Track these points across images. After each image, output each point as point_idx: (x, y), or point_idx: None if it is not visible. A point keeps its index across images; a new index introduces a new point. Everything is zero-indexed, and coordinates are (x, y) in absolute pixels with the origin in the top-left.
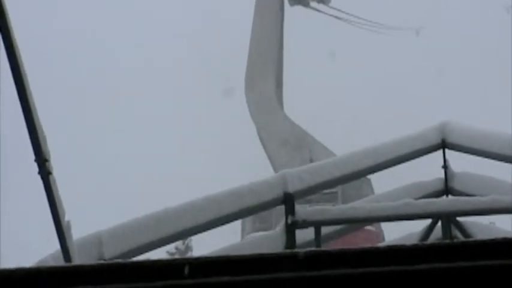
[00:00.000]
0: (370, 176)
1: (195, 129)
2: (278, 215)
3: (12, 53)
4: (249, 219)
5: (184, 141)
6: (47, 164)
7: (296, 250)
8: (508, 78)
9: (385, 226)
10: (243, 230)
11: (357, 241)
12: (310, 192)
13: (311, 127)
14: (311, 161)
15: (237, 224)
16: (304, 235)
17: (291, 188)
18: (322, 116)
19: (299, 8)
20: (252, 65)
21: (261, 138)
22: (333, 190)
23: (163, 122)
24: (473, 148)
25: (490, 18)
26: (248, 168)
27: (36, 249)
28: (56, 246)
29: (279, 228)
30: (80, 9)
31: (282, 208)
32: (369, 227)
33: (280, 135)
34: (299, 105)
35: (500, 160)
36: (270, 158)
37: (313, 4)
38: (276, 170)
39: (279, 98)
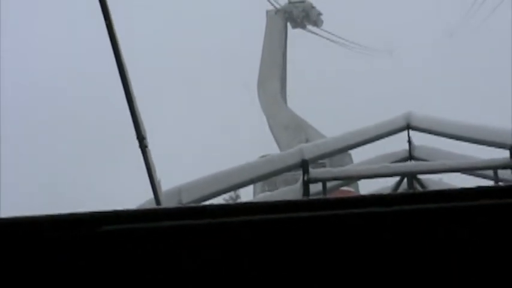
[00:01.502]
0: (350, 151)
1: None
2: (280, 182)
3: (116, 51)
4: (258, 184)
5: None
6: (144, 140)
7: (310, 197)
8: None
9: (361, 188)
10: (254, 191)
11: None
12: (317, 159)
13: (307, 116)
14: (307, 141)
15: (249, 188)
16: (314, 188)
17: (306, 156)
18: (316, 108)
19: (299, 30)
20: (263, 71)
21: (269, 125)
22: (322, 161)
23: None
24: (429, 129)
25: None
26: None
27: (138, 198)
28: (150, 195)
29: (299, 183)
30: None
31: (285, 175)
32: (350, 190)
33: (283, 122)
34: (298, 100)
35: (447, 137)
36: (276, 139)
37: (309, 27)
38: (280, 148)
39: (283, 95)
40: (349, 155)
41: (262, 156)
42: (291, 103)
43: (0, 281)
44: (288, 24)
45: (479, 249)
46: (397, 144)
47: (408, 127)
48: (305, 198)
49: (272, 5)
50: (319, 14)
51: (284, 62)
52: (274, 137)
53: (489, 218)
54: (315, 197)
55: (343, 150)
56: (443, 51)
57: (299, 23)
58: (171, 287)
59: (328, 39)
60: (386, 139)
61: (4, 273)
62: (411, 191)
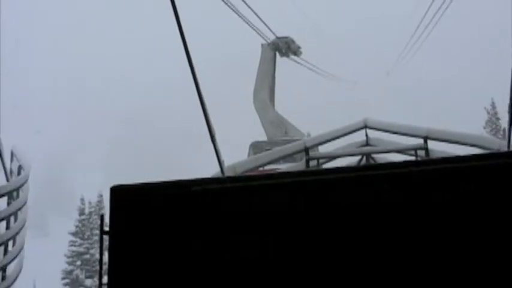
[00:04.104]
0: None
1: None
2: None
3: (190, 60)
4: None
5: None
6: (214, 136)
7: (310, 169)
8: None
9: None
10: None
11: None
12: (313, 147)
13: (289, 116)
14: (286, 133)
15: None
16: (312, 163)
17: (307, 145)
18: (293, 111)
19: (284, 59)
20: (257, 86)
21: (261, 121)
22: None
23: None
24: (377, 127)
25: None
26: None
27: (211, 171)
28: (218, 169)
29: (303, 161)
30: None
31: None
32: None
33: (270, 119)
34: (282, 106)
35: (388, 132)
36: (265, 131)
37: (292, 57)
38: (267, 137)
39: (272, 102)
40: (317, 147)
41: (254, 142)
42: (277, 106)
43: (160, 219)
44: (278, 53)
45: (406, 203)
46: (357, 138)
47: (365, 126)
48: (307, 169)
49: (265, 40)
50: (299, 47)
51: (273, 79)
52: (264, 129)
53: (414, 180)
54: (313, 169)
55: (328, 142)
56: (387, 83)
57: (283, 53)
58: (231, 221)
59: (305, 66)
60: (351, 135)
61: (160, 215)
62: (368, 163)
